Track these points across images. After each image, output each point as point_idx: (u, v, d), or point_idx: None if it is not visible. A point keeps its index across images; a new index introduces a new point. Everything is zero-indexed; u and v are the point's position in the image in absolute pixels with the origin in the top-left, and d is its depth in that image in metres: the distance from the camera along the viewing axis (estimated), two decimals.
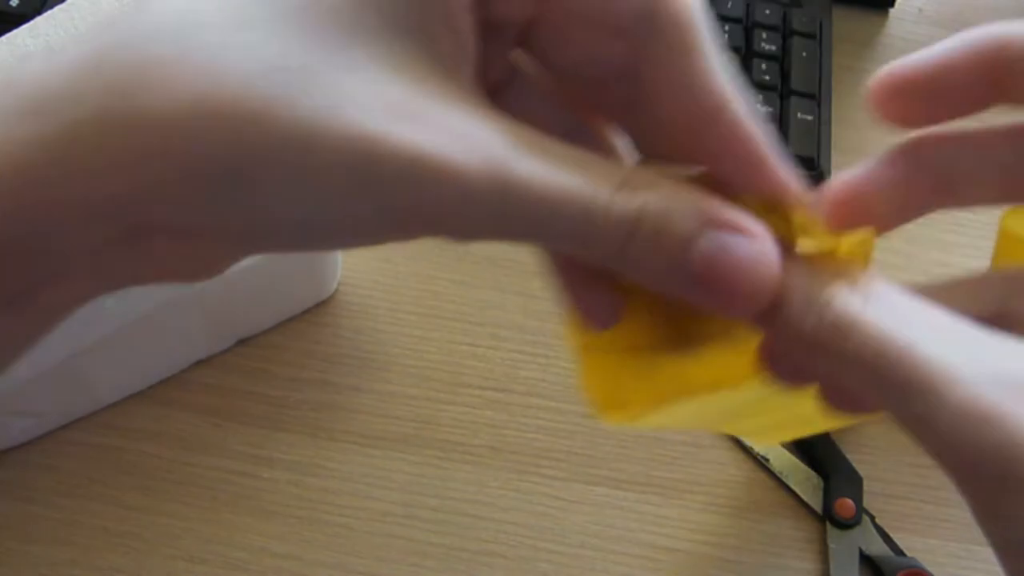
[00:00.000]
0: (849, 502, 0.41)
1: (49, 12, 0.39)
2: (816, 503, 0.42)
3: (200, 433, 0.41)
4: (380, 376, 0.44)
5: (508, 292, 0.47)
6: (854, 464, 0.42)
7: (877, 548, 0.41)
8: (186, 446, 0.41)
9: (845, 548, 0.41)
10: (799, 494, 0.42)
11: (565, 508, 0.41)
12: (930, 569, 0.40)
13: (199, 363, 0.43)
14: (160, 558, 0.38)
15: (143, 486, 0.40)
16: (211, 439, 0.41)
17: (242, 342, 0.44)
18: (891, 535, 0.41)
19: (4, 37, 0.38)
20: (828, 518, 0.41)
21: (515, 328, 0.46)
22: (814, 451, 0.43)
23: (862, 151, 0.54)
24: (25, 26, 0.38)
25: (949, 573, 0.41)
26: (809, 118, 0.52)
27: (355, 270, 0.47)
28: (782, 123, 0.52)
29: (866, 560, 0.40)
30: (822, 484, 0.42)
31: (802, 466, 0.43)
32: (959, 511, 0.41)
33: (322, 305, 0.45)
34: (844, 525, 0.41)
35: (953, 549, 0.41)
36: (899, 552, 0.41)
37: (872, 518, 0.42)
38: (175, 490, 0.40)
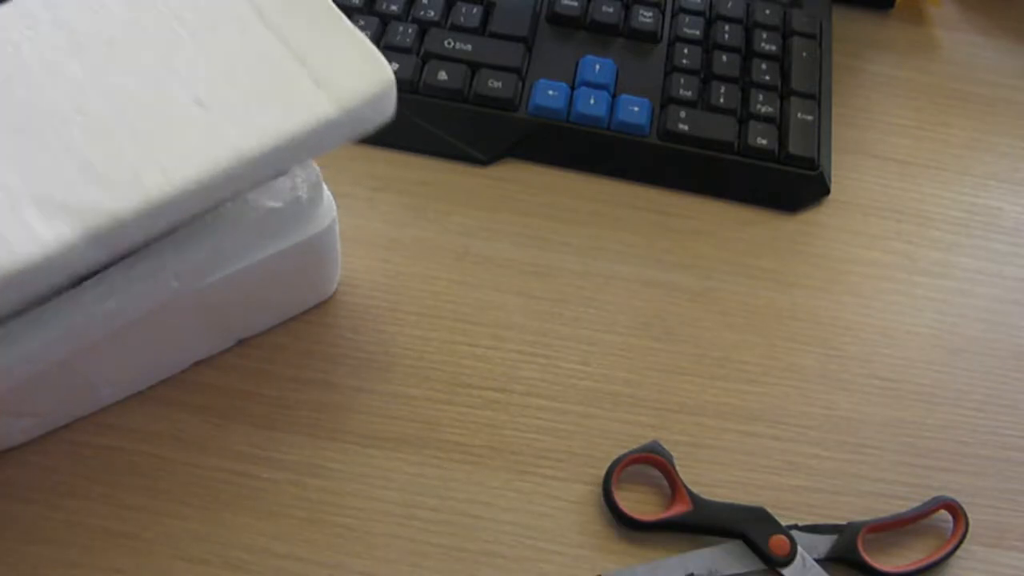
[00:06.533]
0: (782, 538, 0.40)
1: None
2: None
3: (200, 433, 0.41)
4: (380, 376, 0.44)
5: (508, 292, 0.47)
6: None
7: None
8: (186, 446, 0.41)
9: None
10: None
11: (565, 508, 0.41)
12: None
13: (199, 363, 0.43)
14: (160, 558, 0.39)
15: (143, 486, 0.40)
16: (211, 439, 0.41)
17: (242, 342, 0.44)
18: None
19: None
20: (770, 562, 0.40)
21: (515, 328, 0.46)
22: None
23: (863, 151, 0.54)
24: None
25: None
26: (809, 118, 0.52)
27: (355, 270, 0.47)
28: (782, 123, 0.52)
29: None
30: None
31: None
32: None
33: (322, 305, 0.45)
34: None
35: None
36: None
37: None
38: (175, 490, 0.40)
